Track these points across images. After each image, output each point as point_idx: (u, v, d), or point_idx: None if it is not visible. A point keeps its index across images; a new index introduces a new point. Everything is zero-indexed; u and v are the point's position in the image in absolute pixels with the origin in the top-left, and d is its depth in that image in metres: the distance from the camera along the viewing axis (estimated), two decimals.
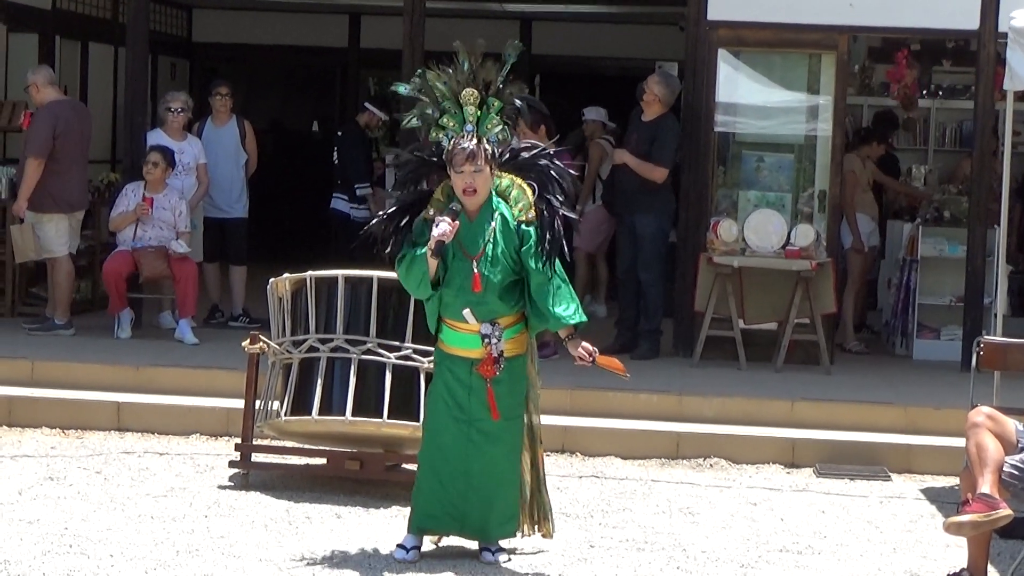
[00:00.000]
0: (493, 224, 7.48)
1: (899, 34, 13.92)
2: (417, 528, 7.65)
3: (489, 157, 7.46)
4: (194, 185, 13.00)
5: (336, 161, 14.80)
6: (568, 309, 7.49)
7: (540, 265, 7.42)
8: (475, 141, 7.45)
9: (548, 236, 7.43)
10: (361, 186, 14.22)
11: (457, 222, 7.40)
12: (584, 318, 7.60)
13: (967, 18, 12.29)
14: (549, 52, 19.28)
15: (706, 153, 12.52)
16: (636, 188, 12.35)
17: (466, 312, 7.48)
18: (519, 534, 7.79)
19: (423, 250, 7.41)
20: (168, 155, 12.57)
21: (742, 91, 12.67)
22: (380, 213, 7.67)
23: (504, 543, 7.73)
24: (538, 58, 19.45)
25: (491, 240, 7.47)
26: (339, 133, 15.65)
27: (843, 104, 12.67)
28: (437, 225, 7.37)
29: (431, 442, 7.62)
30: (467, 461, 7.53)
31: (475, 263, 7.45)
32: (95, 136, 13.31)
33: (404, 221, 7.54)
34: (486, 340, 7.47)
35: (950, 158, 16.04)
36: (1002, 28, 11.16)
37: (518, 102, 7.62)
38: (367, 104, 15.03)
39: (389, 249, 7.53)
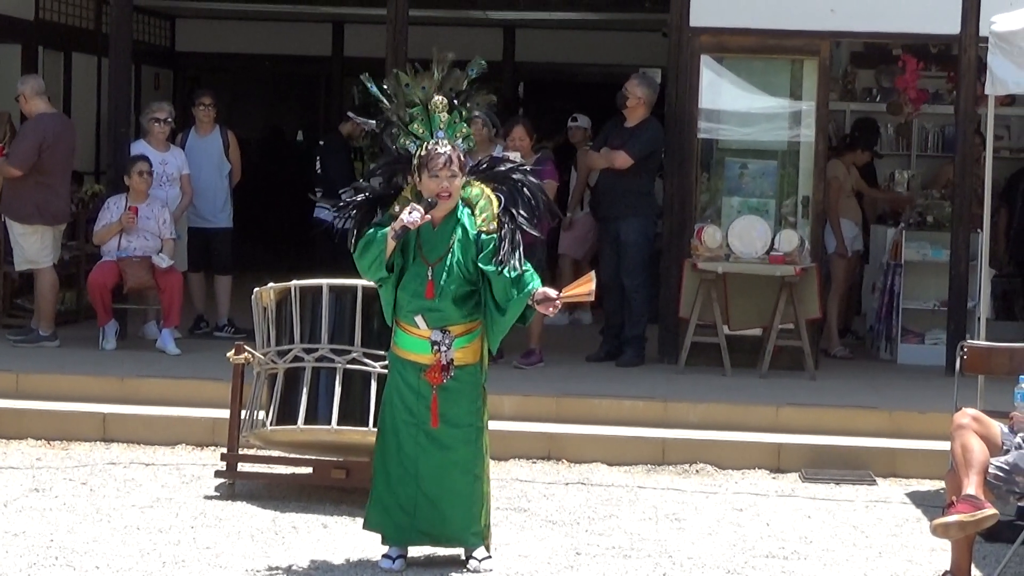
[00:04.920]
0: (455, 235, 7.52)
1: (881, 39, 13.95)
2: (375, 530, 7.68)
3: (462, 163, 7.52)
4: (178, 195, 13.00)
5: (319, 170, 14.79)
6: (527, 285, 7.45)
7: (497, 269, 7.44)
8: (450, 147, 7.50)
9: (504, 247, 7.46)
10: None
11: (428, 215, 7.44)
12: (538, 281, 7.52)
13: (948, 23, 12.32)
14: (532, 59, 19.32)
15: (689, 159, 12.53)
16: (621, 193, 12.37)
17: (418, 318, 7.52)
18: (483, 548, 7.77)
19: (384, 231, 7.44)
20: (150, 164, 12.59)
21: (725, 97, 12.68)
22: (348, 203, 7.68)
23: (484, 551, 7.73)
24: (522, 65, 19.49)
25: (450, 250, 7.51)
26: (321, 143, 15.65)
27: (826, 110, 12.69)
28: (410, 212, 7.39)
29: (382, 444, 7.68)
30: (415, 464, 7.58)
31: (431, 270, 7.49)
32: (78, 147, 13.29)
33: (368, 214, 7.59)
34: (435, 347, 7.50)
35: (933, 163, 16.08)
36: (983, 33, 11.18)
37: (476, 112, 7.71)
38: (350, 113, 15.04)
39: (352, 239, 7.57)
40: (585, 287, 7.53)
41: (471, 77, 7.64)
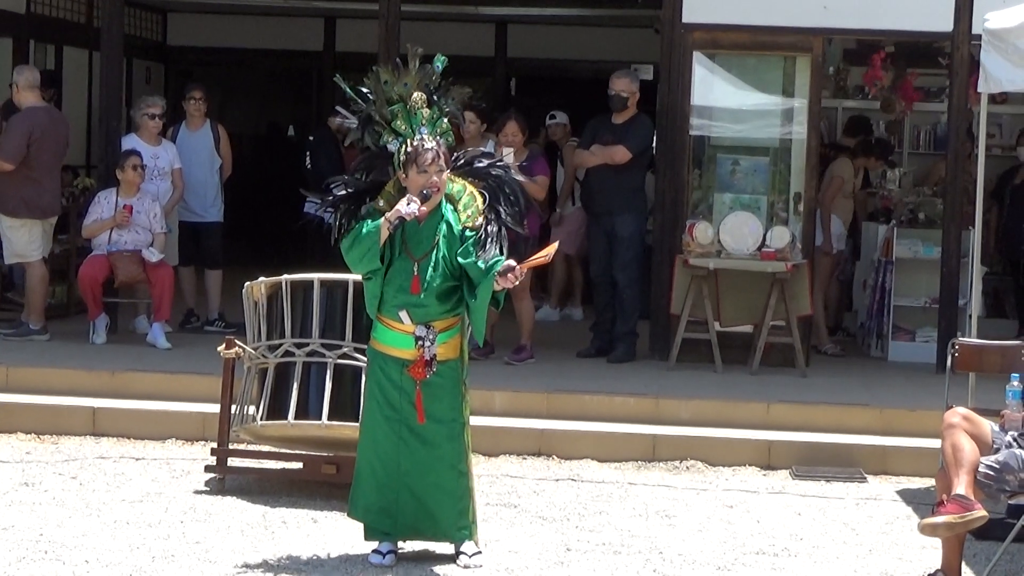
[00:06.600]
0: (440, 230, 7.53)
1: (873, 36, 13.94)
2: (362, 522, 7.68)
3: (446, 158, 7.55)
4: (169, 189, 12.98)
5: (308, 165, 14.77)
6: (493, 268, 7.43)
7: (474, 260, 7.43)
8: (434, 143, 7.51)
9: (490, 242, 7.46)
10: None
11: (425, 208, 7.43)
12: (501, 256, 7.49)
13: (941, 20, 12.31)
14: (524, 55, 19.30)
15: (681, 156, 12.52)
16: (613, 189, 12.35)
17: (402, 313, 7.51)
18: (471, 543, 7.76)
19: (375, 223, 7.44)
20: (142, 158, 12.58)
21: (717, 94, 12.68)
22: (335, 197, 7.68)
23: (474, 546, 7.72)
24: (513, 61, 19.47)
25: (436, 245, 7.51)
26: (311, 137, 15.61)
27: (818, 107, 12.70)
28: (408, 204, 7.38)
29: (366, 438, 7.68)
30: (398, 458, 7.58)
31: (416, 266, 7.49)
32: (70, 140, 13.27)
33: (353, 208, 7.59)
34: (419, 342, 7.50)
35: (925, 160, 16.08)
36: (976, 30, 11.19)
37: (448, 108, 7.73)
38: (338, 108, 15.02)
39: (336, 234, 7.58)
40: (544, 251, 7.54)
41: (438, 73, 7.64)
